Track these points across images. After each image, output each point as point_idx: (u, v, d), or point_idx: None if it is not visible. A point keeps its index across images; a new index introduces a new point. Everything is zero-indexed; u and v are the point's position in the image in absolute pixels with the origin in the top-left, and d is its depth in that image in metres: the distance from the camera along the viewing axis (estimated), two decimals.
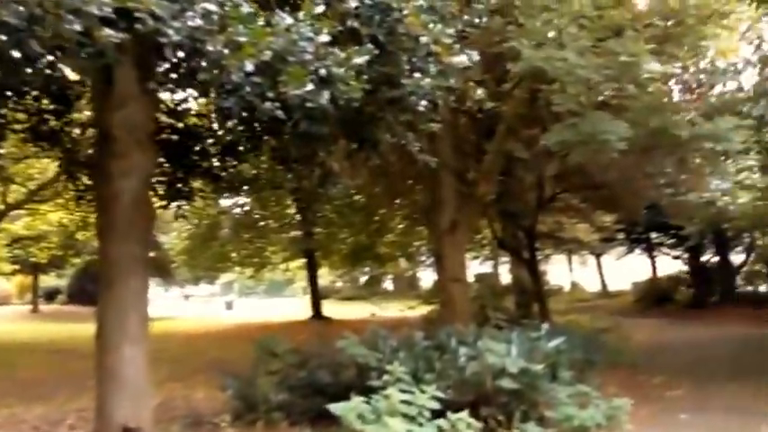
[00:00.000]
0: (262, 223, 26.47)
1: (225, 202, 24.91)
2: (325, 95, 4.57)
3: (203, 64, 4.46)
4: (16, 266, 32.64)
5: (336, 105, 4.79)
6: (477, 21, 6.25)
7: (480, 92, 6.19)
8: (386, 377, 5.01)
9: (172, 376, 11.81)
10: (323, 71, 4.60)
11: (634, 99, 7.12)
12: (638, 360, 12.10)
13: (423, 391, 4.70)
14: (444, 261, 11.23)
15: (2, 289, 46.38)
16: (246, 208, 25.48)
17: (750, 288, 25.13)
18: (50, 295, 42.90)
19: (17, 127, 7.20)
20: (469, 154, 14.28)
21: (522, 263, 18.21)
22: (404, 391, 4.76)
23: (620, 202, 16.27)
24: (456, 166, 12.06)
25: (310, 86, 4.41)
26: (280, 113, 4.60)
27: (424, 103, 5.45)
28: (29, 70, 6.67)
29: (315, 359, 7.05)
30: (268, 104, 4.57)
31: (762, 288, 24.60)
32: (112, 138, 5.55)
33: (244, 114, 4.93)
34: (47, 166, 18.73)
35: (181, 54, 4.52)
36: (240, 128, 7.35)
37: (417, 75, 5.41)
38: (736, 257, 25.07)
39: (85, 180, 7.83)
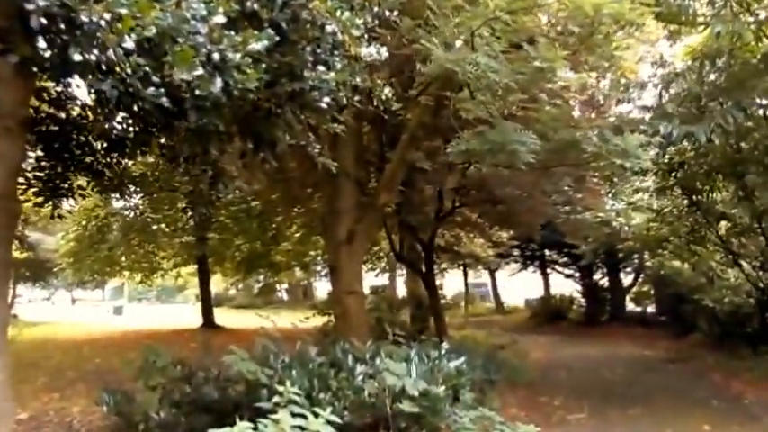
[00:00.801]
0: (154, 227, 25.14)
1: (116, 204, 23.47)
2: (218, 83, 4.06)
3: (77, 38, 3.85)
4: None
5: (230, 96, 4.29)
6: (387, 14, 5.87)
7: (388, 91, 5.83)
8: (276, 398, 4.52)
9: (49, 386, 10.86)
10: (216, 55, 4.08)
11: (542, 110, 7.02)
12: (536, 378, 12.20)
13: (316, 415, 4.26)
14: (340, 272, 10.83)
15: None
16: (138, 210, 24.10)
17: (638, 308, 26.27)
18: None
19: None
20: (371, 162, 14.02)
21: (418, 276, 18.12)
22: (296, 415, 4.30)
23: (516, 218, 16.47)
24: (357, 175, 11.74)
25: (200, 71, 3.89)
26: (165, 101, 4.04)
27: (327, 100, 5.02)
28: None
29: (201, 373, 6.43)
30: (152, 90, 4.00)
31: (649, 308, 25.75)
32: None
33: (124, 103, 4.30)
34: None
35: (50, 25, 3.87)
36: (127, 121, 6.71)
37: (321, 68, 4.98)
38: (626, 278, 26.09)
39: None
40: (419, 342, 7.52)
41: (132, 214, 24.49)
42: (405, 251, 18.06)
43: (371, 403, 5.49)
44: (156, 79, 3.98)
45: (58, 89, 6.88)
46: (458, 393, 6.20)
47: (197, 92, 3.98)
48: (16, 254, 24.38)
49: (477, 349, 10.47)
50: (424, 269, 16.85)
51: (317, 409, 4.37)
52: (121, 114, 6.59)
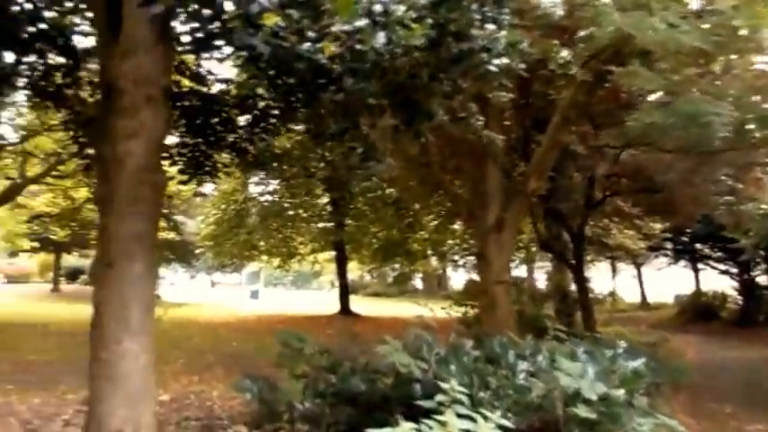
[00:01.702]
0: (291, 212, 25.68)
1: (254, 189, 24.17)
2: (380, 37, 3.56)
3: None
4: (36, 244, 32.22)
5: (391, 55, 3.79)
6: None
7: (566, 54, 5.09)
8: (440, 397, 4.00)
9: (188, 368, 11.08)
10: (378, 7, 3.59)
11: (737, 78, 6.00)
12: (696, 382, 10.99)
13: (485, 417, 3.70)
14: (488, 261, 10.23)
15: (23, 266, 46.48)
16: (276, 195, 24.70)
17: None
18: (72, 275, 42.82)
19: (21, 83, 6.38)
20: (514, 146, 13.23)
21: (565, 267, 17.11)
22: (461, 416, 3.77)
23: (675, 208, 15.10)
24: (503, 159, 11.08)
25: (363, 22, 3.40)
26: (321, 58, 3.60)
27: (497, 62, 4.38)
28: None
29: (347, 363, 6.05)
30: (307, 45, 3.57)
31: None
32: (118, 90, 4.61)
33: (278, 59, 3.90)
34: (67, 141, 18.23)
35: None
36: (270, 95, 6.45)
37: (491, 26, 4.35)
38: None
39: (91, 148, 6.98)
40: (581, 338, 6.74)
41: (270, 199, 25.11)
42: (551, 240, 17.08)
43: (538, 405, 4.84)
44: (311, 34, 3.54)
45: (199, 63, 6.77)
46: (632, 398, 5.42)
47: (357, 47, 3.49)
48: (161, 234, 25.73)
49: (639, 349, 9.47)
50: (572, 260, 15.82)
51: (485, 411, 3.80)
52: (263, 91, 6.35)
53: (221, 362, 12.04)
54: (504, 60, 4.54)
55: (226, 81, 6.87)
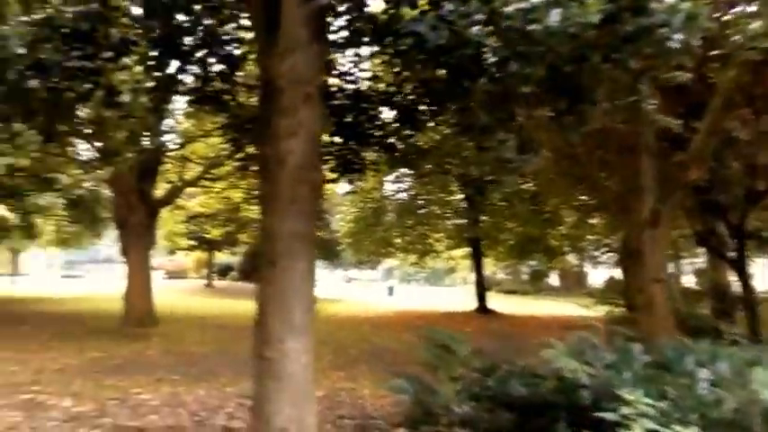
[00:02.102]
0: (424, 210, 25.69)
1: (390, 186, 24.39)
2: (554, 14, 3.29)
3: None
4: (193, 242, 34.64)
5: (566, 34, 3.49)
6: None
7: (757, 25, 4.51)
8: (625, 409, 3.66)
9: (334, 364, 11.26)
10: None
11: None
12: None
13: None
14: (644, 258, 9.52)
15: (181, 263, 50.28)
16: (411, 193, 24.80)
17: None
18: (223, 271, 45.57)
19: (183, 89, 6.69)
20: (667, 133, 12.28)
21: (722, 264, 15.74)
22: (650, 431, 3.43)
23: None
24: (656, 147, 10.30)
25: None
26: (493, 42, 3.38)
27: (678, 37, 3.94)
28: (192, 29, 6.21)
29: (505, 366, 5.80)
30: (475, 30, 3.37)
31: None
32: (278, 90, 4.67)
33: (426, 61, 3.74)
34: (221, 146, 19.29)
35: None
36: (418, 89, 6.32)
37: None
38: None
39: (250, 149, 7.20)
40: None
41: (405, 196, 25.23)
42: (705, 235, 15.77)
43: (730, 421, 4.33)
44: (479, 16, 3.33)
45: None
46: None
47: (531, 27, 3.24)
48: None
49: None
50: (732, 256, 14.51)
51: (680, 428, 3.42)
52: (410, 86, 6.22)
53: (365, 358, 12.15)
54: (682, 36, 4.09)
55: (372, 78, 6.83)
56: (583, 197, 18.22)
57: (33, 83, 4.90)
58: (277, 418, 4.54)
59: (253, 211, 24.79)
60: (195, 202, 27.83)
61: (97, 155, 15.55)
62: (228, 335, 15.49)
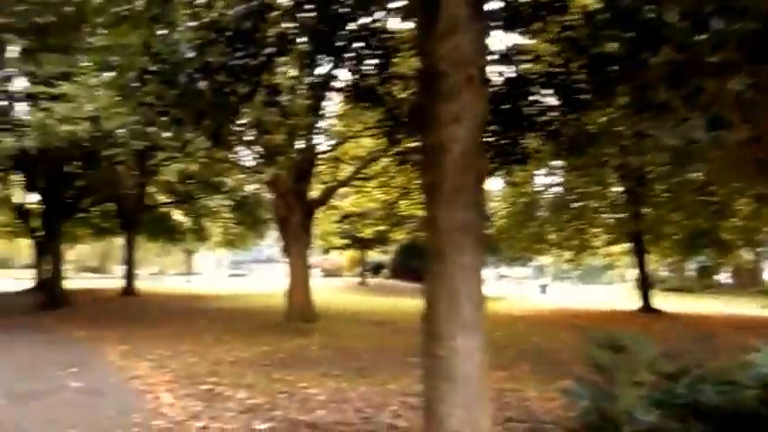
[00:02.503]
0: (578, 204, 24.44)
1: (542, 180, 23.52)
2: None
3: None
4: (346, 241, 35.69)
5: None
6: None
7: None
8: None
9: (494, 363, 10.79)
10: None
11: None
12: None
13: None
14: None
15: (336, 261, 52.15)
16: (565, 186, 23.73)
17: None
18: (376, 269, 46.65)
19: (338, 85, 6.70)
20: None
21: None
22: None
23: None
24: None
25: None
26: None
27: None
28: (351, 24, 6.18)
29: (696, 370, 5.19)
30: None
31: None
32: (439, 74, 4.44)
33: (590, 42, 3.33)
34: (372, 145, 19.57)
35: None
36: (584, 69, 5.84)
37: None
38: None
39: (407, 143, 7.06)
40: None
41: (558, 190, 24.18)
42: None
43: None
44: None
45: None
46: None
47: None
48: None
49: None
50: None
51: None
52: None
53: (525, 357, 11.68)
54: None
55: (533, 59, 6.41)
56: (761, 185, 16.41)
57: (202, 84, 5.06)
58: (450, 420, 4.32)
59: (409, 208, 24.80)
60: (348, 201, 28.55)
61: (258, 159, 16.31)
62: (384, 331, 15.64)
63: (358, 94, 6.51)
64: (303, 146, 14.29)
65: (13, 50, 16.99)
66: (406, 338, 14.12)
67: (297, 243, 16.67)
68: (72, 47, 13.40)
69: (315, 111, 6.18)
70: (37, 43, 14.24)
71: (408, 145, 6.97)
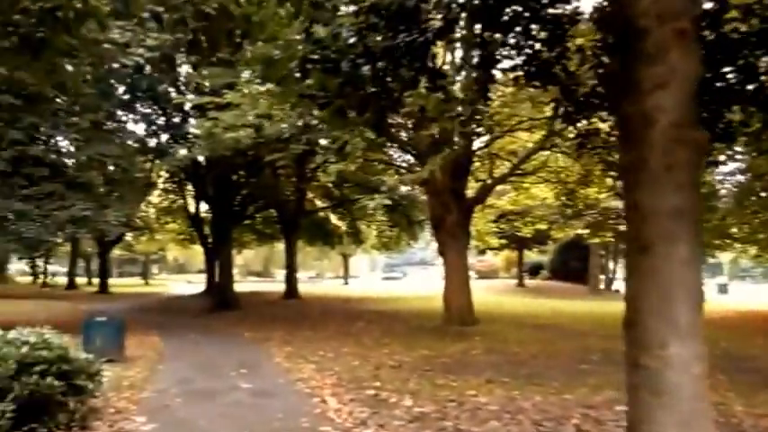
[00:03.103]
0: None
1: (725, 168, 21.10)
2: None
3: None
4: (503, 241, 34.65)
5: None
6: None
7: None
8: None
9: None
10: None
11: None
12: None
13: None
14: None
15: (491, 263, 51.08)
16: (748, 174, 21.12)
17: None
18: (534, 270, 44.98)
19: (507, 66, 6.08)
20: None
21: None
22: None
23: None
24: None
25: None
26: None
27: None
28: None
29: None
30: None
31: None
32: (640, 31, 3.72)
33: None
34: (527, 140, 18.64)
35: None
36: None
37: None
38: None
39: (586, 123, 6.28)
40: None
41: (743, 179, 21.60)
42: None
43: None
44: None
45: None
46: None
47: None
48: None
49: None
50: None
51: None
52: None
53: (720, 366, 10.34)
54: None
55: (744, 15, 5.40)
56: None
57: (365, 69, 4.71)
58: None
59: (585, 199, 23.05)
60: (505, 199, 27.60)
61: (413, 158, 16.03)
62: (549, 335, 14.72)
63: (529, 74, 5.85)
64: (463, 139, 13.64)
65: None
66: (573, 343, 13.17)
67: (454, 243, 16.14)
68: (234, 60, 13.95)
69: (482, 94, 5.61)
70: (203, 59, 14.98)
71: (587, 126, 6.21)
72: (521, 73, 5.89)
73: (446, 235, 16.19)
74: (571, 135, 12.14)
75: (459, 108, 6.67)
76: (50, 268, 47.76)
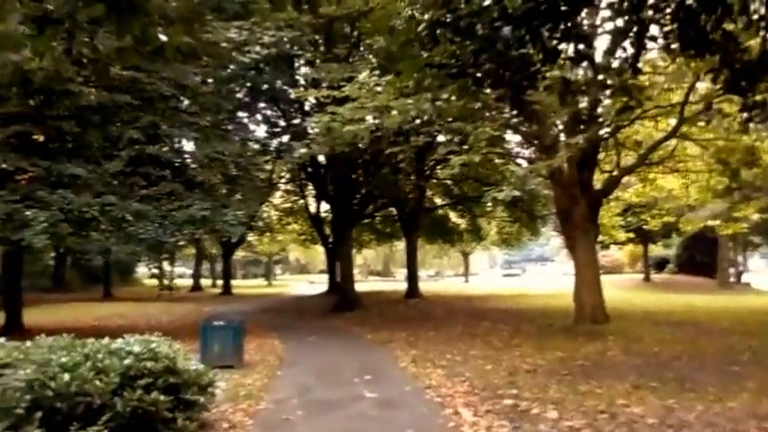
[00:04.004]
0: None
1: None
2: None
3: None
4: (630, 235, 32.83)
5: None
6: None
7: None
8: None
9: None
10: None
11: None
12: None
13: None
14: None
15: (615, 258, 48.78)
16: None
17: None
18: (659, 264, 42.87)
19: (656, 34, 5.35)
20: None
21: None
22: None
23: None
24: None
25: None
26: None
27: None
28: None
29: None
30: None
31: None
32: None
33: None
34: (653, 129, 17.42)
35: None
36: None
37: None
38: None
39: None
40: None
41: None
42: None
43: None
44: None
45: None
46: None
47: None
48: None
49: None
50: None
51: None
52: None
53: None
54: None
55: None
56: None
57: (506, 31, 4.16)
58: None
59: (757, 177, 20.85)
60: (630, 191, 25.97)
61: (538, 150, 15.24)
62: (688, 333, 13.58)
63: (685, 41, 5.11)
64: (617, 116, 12.51)
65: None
66: (716, 342, 12.07)
67: (583, 237, 15.19)
68: (351, 55, 13.82)
69: (632, 65, 4.93)
70: (320, 55, 14.94)
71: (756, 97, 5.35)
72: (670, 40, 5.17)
73: (574, 229, 15.27)
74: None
75: (607, 80, 5.92)
76: (177, 270, 50.25)
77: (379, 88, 10.20)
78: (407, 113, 10.24)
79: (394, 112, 10.32)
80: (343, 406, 7.39)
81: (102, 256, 15.61)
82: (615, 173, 17.72)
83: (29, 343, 6.15)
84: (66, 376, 5.30)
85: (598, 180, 17.82)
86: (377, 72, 10.26)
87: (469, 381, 8.55)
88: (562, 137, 14.39)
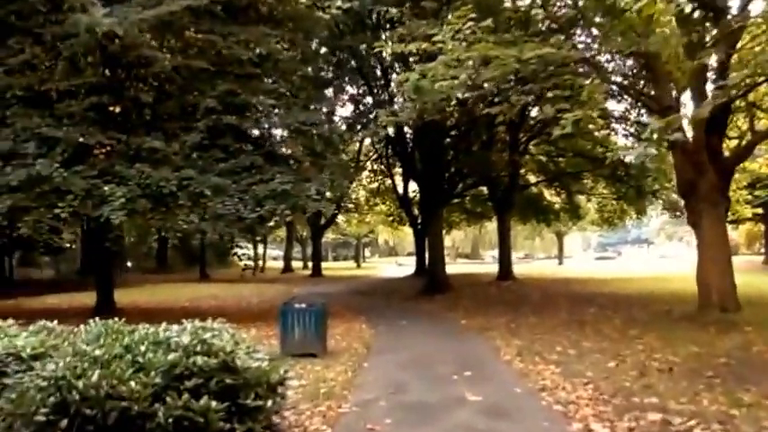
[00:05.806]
0: None
1: None
2: None
3: None
4: (757, 210, 29.54)
5: None
6: None
7: None
8: None
9: None
10: None
11: None
12: None
13: None
14: None
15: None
16: None
17: None
18: None
19: None
20: None
21: None
22: None
23: None
24: None
25: None
26: None
27: None
28: None
29: None
30: None
31: None
32: None
33: None
34: None
35: None
36: None
37: None
38: None
39: None
40: None
41: None
42: None
43: None
44: None
45: None
46: None
47: None
48: None
49: None
50: None
51: None
52: None
53: None
54: None
55: None
56: None
57: None
58: None
59: None
60: (761, 161, 23.19)
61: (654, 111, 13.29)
62: None
63: None
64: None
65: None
66: None
67: (712, 211, 13.10)
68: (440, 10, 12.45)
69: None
70: (407, 11, 13.57)
71: None
72: None
73: (701, 202, 13.22)
74: None
75: None
76: (271, 253, 50.62)
77: (474, 35, 8.70)
78: (509, 65, 8.75)
79: (492, 65, 8.85)
80: (440, 413, 5.99)
81: (198, 234, 14.99)
82: (748, 137, 15.43)
83: (81, 327, 5.23)
84: (96, 374, 4.24)
85: (727, 148, 15.63)
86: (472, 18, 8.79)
87: (593, 382, 6.96)
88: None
